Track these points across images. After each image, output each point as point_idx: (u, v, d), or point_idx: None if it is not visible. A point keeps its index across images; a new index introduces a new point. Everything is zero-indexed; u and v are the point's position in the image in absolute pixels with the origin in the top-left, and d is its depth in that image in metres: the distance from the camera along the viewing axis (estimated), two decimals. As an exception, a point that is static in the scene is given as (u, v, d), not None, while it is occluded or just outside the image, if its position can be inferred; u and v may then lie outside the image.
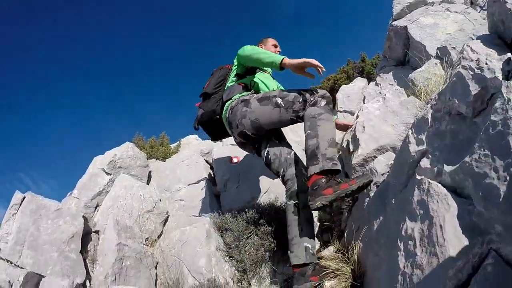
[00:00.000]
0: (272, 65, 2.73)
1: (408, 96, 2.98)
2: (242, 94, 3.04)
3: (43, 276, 3.17)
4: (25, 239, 3.52)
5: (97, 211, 4.41)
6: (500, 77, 1.36)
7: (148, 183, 5.00)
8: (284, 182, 2.68)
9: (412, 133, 1.87)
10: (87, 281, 3.43)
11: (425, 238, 1.42)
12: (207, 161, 5.23)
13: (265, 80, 3.17)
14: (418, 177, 1.64)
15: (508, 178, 1.10)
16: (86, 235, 3.88)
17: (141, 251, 3.50)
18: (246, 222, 3.20)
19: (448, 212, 1.35)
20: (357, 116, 2.91)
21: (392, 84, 4.09)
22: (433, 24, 4.00)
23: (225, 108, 3.06)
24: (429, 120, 1.76)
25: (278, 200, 3.64)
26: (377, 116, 2.76)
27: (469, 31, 3.65)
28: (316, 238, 2.54)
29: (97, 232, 4.00)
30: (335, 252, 2.51)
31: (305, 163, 2.55)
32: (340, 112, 4.92)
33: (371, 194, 2.28)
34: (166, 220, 4.24)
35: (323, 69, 2.52)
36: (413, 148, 1.81)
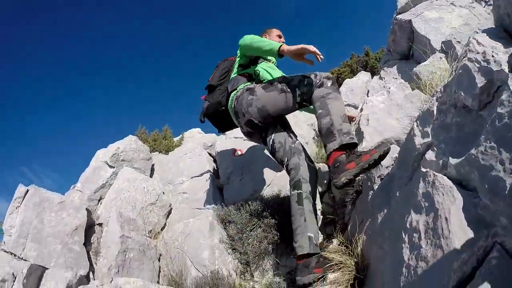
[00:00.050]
0: (270, 52, 2.73)
1: (413, 89, 2.97)
2: (246, 84, 3.05)
3: (46, 268, 3.18)
4: (29, 232, 3.53)
5: (100, 204, 4.42)
6: (506, 70, 1.35)
7: (151, 176, 5.00)
8: (288, 172, 2.69)
9: (417, 125, 1.86)
10: (91, 273, 3.45)
11: (430, 230, 1.41)
12: (210, 154, 5.23)
13: (269, 69, 3.16)
14: (423, 169, 1.63)
15: (514, 170, 1.10)
16: (90, 228, 3.89)
17: (144, 243, 3.51)
18: (250, 215, 3.21)
19: (453, 204, 1.35)
20: (361, 109, 2.91)
21: (396, 78, 4.08)
22: (438, 18, 3.99)
23: (230, 98, 3.06)
24: (435, 113, 1.75)
25: (282, 193, 3.64)
26: (381, 109, 2.76)
27: (474, 26, 3.63)
28: (319, 231, 2.54)
29: (100, 224, 4.01)
30: (339, 245, 2.52)
31: (309, 153, 2.55)
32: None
33: (375, 187, 2.28)
34: (169, 213, 4.25)
35: (321, 56, 2.51)
36: (418, 140, 1.80)
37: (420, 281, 1.38)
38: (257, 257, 3.00)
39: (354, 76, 6.76)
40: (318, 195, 2.99)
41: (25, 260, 3.28)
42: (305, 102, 2.69)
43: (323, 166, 3.35)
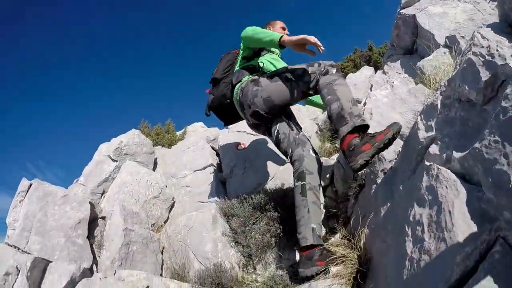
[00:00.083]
0: (271, 43, 2.74)
1: (416, 84, 2.96)
2: (251, 76, 3.05)
3: (50, 261, 3.19)
4: (32, 225, 3.55)
5: (104, 197, 4.44)
6: (511, 64, 1.35)
7: (154, 169, 5.02)
8: (292, 163, 2.70)
9: (421, 119, 1.86)
10: (94, 266, 3.46)
11: (433, 223, 1.42)
12: (213, 148, 5.24)
13: (273, 61, 3.16)
14: (427, 163, 1.64)
15: (518, 164, 1.11)
16: (93, 221, 3.91)
17: (147, 236, 3.52)
18: (252, 208, 3.22)
19: (457, 198, 1.35)
20: (365, 103, 2.90)
21: (399, 73, 4.07)
22: (442, 13, 3.98)
23: (235, 90, 3.07)
24: (439, 107, 1.75)
25: (285, 186, 3.64)
26: (385, 104, 2.76)
27: (478, 21, 3.62)
28: (322, 225, 2.55)
29: (103, 218, 4.03)
30: (341, 239, 2.52)
31: (315, 142, 2.55)
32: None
33: (378, 181, 2.28)
34: (172, 206, 4.27)
35: (322, 47, 2.52)
36: (422, 134, 1.80)
37: (423, 274, 1.39)
38: (259, 250, 3.00)
39: (358, 71, 6.75)
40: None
41: (28, 253, 3.29)
42: (310, 90, 2.70)
43: (325, 160, 3.35)
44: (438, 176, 1.50)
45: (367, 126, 2.36)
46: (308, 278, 2.27)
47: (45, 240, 3.43)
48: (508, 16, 1.72)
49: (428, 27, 3.91)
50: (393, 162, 2.23)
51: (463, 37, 3.37)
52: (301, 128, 2.90)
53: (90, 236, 3.74)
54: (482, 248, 1.19)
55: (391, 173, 2.13)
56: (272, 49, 3.31)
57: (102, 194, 4.48)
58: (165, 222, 4.05)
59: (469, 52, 1.58)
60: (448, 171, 1.48)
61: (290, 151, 2.72)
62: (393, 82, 2.96)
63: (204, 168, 4.68)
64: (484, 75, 1.43)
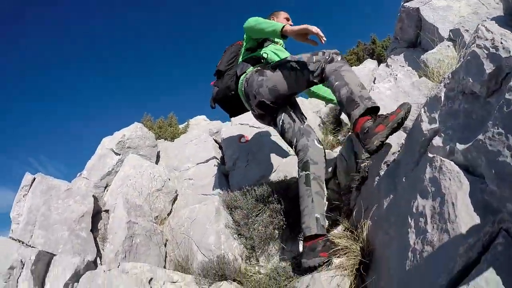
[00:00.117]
0: (274, 33, 2.74)
1: (420, 77, 2.96)
2: (255, 67, 3.05)
3: (54, 255, 3.21)
4: (36, 219, 3.57)
5: (107, 191, 4.46)
6: (515, 57, 1.35)
7: (157, 163, 5.03)
8: (297, 153, 2.70)
9: (424, 111, 1.86)
10: (98, 259, 3.49)
11: (436, 215, 1.42)
12: (215, 141, 5.25)
13: (277, 51, 3.16)
14: (430, 155, 1.64)
15: (521, 156, 1.11)
16: (97, 214, 3.94)
17: (150, 229, 3.54)
18: (255, 200, 3.22)
19: (460, 189, 1.36)
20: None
21: (403, 66, 4.06)
22: (446, 7, 3.95)
23: (240, 82, 3.07)
24: (442, 99, 1.74)
25: (287, 178, 3.65)
26: (388, 96, 2.76)
27: (482, 15, 3.60)
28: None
29: (107, 211, 4.05)
30: (344, 231, 2.53)
31: (318, 135, 2.55)
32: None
33: (381, 173, 2.28)
34: (175, 199, 4.29)
35: (324, 38, 2.52)
36: (426, 126, 1.80)
37: (426, 265, 1.40)
38: (262, 242, 3.01)
39: (361, 64, 6.73)
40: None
41: (33, 247, 3.32)
42: (315, 79, 2.69)
43: (328, 153, 3.35)
44: (441, 168, 1.50)
45: (378, 108, 2.36)
46: (311, 269, 2.28)
47: (49, 234, 3.46)
48: (513, 10, 1.72)
49: (432, 21, 3.89)
50: (396, 154, 2.23)
51: (467, 30, 3.36)
52: (306, 119, 2.90)
53: (94, 229, 3.76)
54: (485, 239, 1.20)
55: (394, 165, 2.13)
56: (276, 39, 3.30)
57: (106, 187, 4.50)
58: (168, 215, 4.07)
59: (473, 45, 1.58)
60: (452, 163, 1.48)
61: (295, 141, 2.73)
62: (396, 75, 2.96)
63: (207, 161, 4.69)
64: (488, 67, 1.43)
